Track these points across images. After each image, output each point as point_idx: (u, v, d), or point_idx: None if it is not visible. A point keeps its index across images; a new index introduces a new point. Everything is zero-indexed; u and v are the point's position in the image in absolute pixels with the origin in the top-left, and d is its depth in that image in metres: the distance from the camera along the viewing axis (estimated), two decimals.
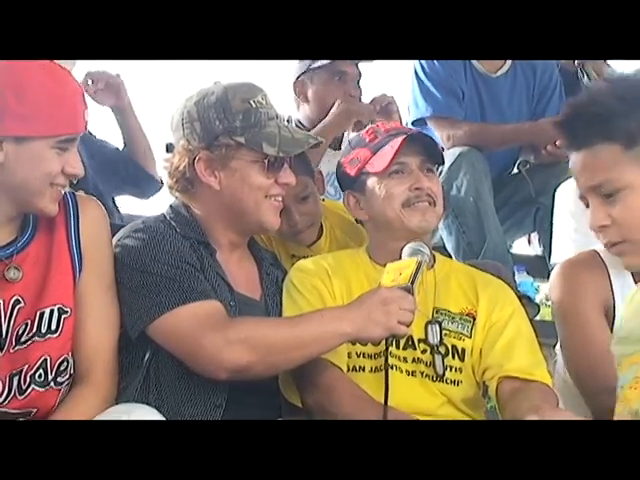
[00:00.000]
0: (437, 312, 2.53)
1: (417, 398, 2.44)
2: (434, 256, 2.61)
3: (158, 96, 4.75)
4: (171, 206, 2.56)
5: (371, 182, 2.57)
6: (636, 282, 2.51)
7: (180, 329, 2.28)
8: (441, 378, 2.48)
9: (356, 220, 2.70)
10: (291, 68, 3.93)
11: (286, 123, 2.59)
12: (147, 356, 2.37)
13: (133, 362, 2.38)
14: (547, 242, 3.51)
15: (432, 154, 2.58)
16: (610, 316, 2.54)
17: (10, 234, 2.24)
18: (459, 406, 2.49)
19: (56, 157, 2.18)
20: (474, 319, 2.53)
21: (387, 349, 2.32)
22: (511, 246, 4.01)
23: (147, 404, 2.22)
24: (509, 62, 3.88)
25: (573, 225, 3.20)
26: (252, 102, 2.47)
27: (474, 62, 3.88)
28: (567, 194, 3.26)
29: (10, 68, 2.17)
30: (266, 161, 2.44)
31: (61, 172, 2.20)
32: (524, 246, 4.12)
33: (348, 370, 2.42)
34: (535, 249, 3.95)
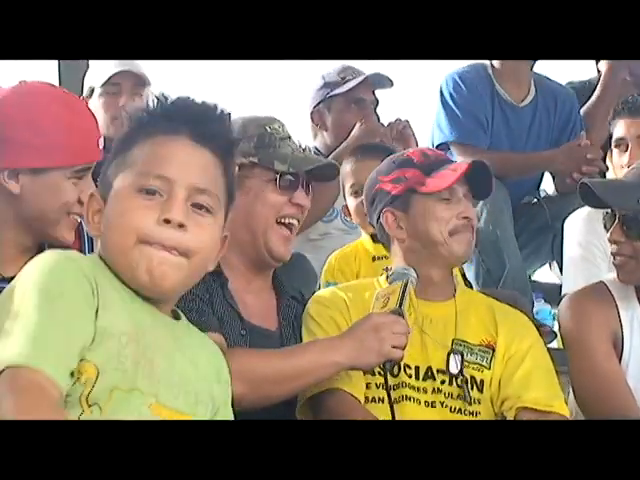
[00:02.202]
0: (456, 343, 2.48)
1: None
2: (454, 286, 2.60)
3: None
4: None
5: (418, 202, 2.54)
6: None
7: None
8: (461, 411, 2.44)
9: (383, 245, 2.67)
10: (307, 97, 3.94)
11: (301, 147, 2.58)
12: None
13: None
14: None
15: (481, 186, 2.59)
16: (619, 348, 2.55)
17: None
18: None
19: (72, 187, 2.17)
20: (493, 350, 2.49)
21: (385, 375, 2.30)
22: (532, 274, 4.01)
23: None
24: (532, 92, 3.90)
25: (581, 254, 3.22)
26: (267, 127, 2.48)
27: (500, 91, 3.88)
28: (575, 224, 3.30)
29: (23, 100, 2.17)
30: (277, 176, 2.42)
31: (77, 201, 2.17)
32: (543, 273, 4.10)
33: (367, 401, 2.38)
34: (556, 276, 3.92)
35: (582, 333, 2.55)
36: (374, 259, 3.07)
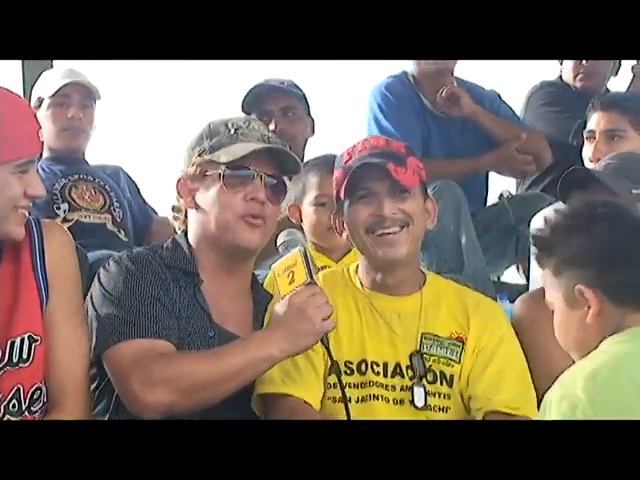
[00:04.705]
0: (425, 337, 2.42)
1: None
2: (424, 276, 2.53)
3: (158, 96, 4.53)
4: (173, 238, 2.53)
5: (345, 205, 2.46)
6: None
7: (116, 365, 2.25)
8: (428, 406, 2.38)
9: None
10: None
11: (264, 131, 2.51)
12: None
13: (104, 387, 2.33)
14: (527, 270, 3.49)
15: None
16: None
17: None
18: None
19: (17, 181, 2.11)
20: (463, 344, 2.43)
21: (329, 351, 2.23)
22: (501, 275, 4.07)
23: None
24: None
25: None
26: (228, 124, 2.43)
27: (425, 102, 3.86)
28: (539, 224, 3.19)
29: None
30: (223, 172, 2.37)
31: (23, 195, 2.13)
32: (510, 274, 4.14)
33: (335, 401, 2.33)
34: (523, 277, 3.96)
35: (537, 334, 2.50)
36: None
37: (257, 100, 3.60)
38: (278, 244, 2.32)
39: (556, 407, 1.83)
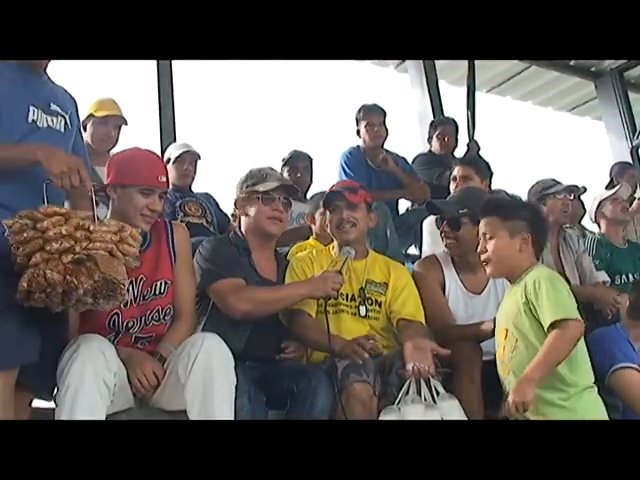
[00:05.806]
0: (367, 281, 2.47)
1: (354, 328, 2.37)
2: (367, 251, 2.57)
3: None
4: (234, 229, 2.55)
5: (327, 214, 2.53)
6: (459, 274, 2.54)
7: (219, 291, 2.26)
8: (368, 317, 2.42)
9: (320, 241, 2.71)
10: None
11: (280, 176, 2.48)
12: (210, 304, 2.31)
13: (204, 308, 2.31)
14: (420, 248, 3.50)
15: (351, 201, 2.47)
16: (442, 290, 2.55)
17: None
18: (379, 331, 2.42)
19: (141, 198, 2.08)
20: (387, 285, 2.48)
21: (325, 302, 2.25)
22: (407, 249, 3.94)
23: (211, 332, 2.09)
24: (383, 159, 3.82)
25: (430, 240, 3.19)
26: (263, 172, 2.42)
27: (369, 161, 3.78)
28: (427, 224, 3.27)
29: (125, 154, 2.15)
30: (260, 196, 2.38)
31: (146, 207, 2.09)
32: (412, 249, 3.93)
33: (321, 313, 2.31)
34: (417, 250, 3.82)
35: (423, 281, 2.52)
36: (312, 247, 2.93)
37: (292, 160, 3.64)
38: (342, 249, 2.38)
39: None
